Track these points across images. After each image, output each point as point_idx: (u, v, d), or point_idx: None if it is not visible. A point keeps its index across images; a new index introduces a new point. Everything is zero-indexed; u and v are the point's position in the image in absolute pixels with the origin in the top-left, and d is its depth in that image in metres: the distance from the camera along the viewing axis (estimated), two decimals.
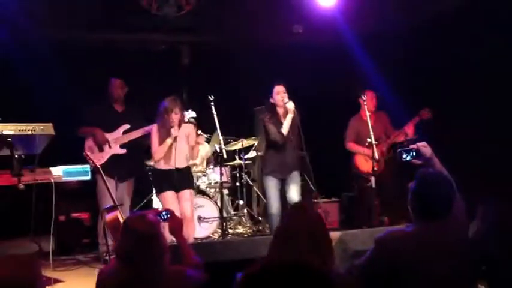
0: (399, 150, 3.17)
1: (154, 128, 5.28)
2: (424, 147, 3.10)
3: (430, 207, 2.67)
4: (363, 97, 5.69)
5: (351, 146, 6.23)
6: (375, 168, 5.35)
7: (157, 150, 5.23)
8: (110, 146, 5.58)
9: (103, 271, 2.62)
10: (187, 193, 5.33)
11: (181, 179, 5.30)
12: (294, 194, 5.38)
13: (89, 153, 5.10)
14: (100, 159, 5.46)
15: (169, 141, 5.18)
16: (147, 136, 5.51)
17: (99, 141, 5.57)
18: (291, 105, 5.27)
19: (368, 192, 5.71)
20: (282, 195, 5.48)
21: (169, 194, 5.26)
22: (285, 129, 5.33)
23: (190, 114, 5.33)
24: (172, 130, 5.16)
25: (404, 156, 3.13)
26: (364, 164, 6.12)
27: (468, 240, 2.76)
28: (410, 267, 2.55)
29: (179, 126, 5.22)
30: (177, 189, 5.30)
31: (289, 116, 5.30)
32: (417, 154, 3.10)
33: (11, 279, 3.15)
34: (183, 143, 5.31)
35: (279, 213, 5.35)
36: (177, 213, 5.23)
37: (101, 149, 5.57)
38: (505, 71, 5.48)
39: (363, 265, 2.69)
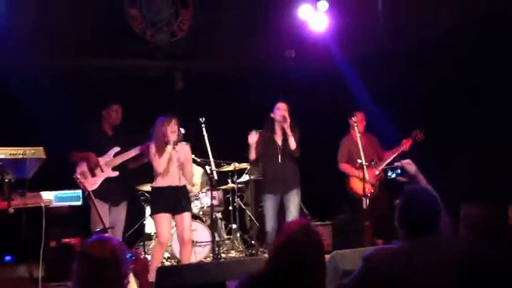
0: (384, 168, 3.19)
1: (151, 145, 5.29)
2: (409, 164, 3.12)
3: (416, 224, 2.68)
4: (353, 118, 5.71)
5: (344, 167, 6.19)
6: (368, 190, 5.36)
7: (159, 161, 5.22)
8: (102, 170, 5.57)
9: None
10: (186, 216, 5.34)
11: (180, 199, 5.30)
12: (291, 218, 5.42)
13: (79, 177, 5.09)
14: (93, 183, 5.45)
15: (169, 148, 5.19)
16: (137, 158, 5.52)
17: (92, 165, 5.55)
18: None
19: (362, 214, 5.71)
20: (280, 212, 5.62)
21: (164, 217, 5.24)
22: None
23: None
24: (169, 137, 5.18)
25: (389, 174, 3.16)
26: (359, 185, 6.05)
27: (455, 256, 2.76)
28: (398, 284, 2.53)
29: (176, 143, 5.24)
30: (175, 210, 5.29)
31: None
32: (402, 172, 3.12)
33: None
34: (180, 161, 5.34)
35: (273, 231, 5.49)
36: (167, 236, 5.28)
37: (93, 174, 5.56)
38: (493, 94, 5.57)
39: (352, 283, 2.67)
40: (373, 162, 5.95)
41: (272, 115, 5.61)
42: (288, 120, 5.49)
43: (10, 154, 4.40)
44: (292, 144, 5.48)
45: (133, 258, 2.76)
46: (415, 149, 5.83)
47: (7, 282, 4.09)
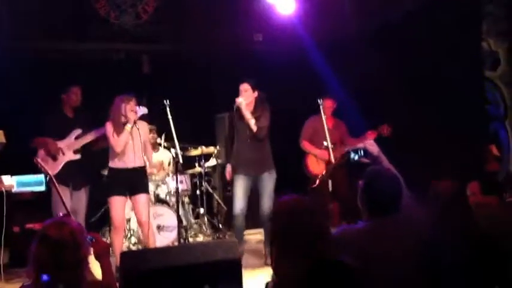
0: (347, 150, 3.21)
1: (108, 124, 5.12)
2: (371, 146, 3.14)
3: (379, 203, 2.71)
4: (319, 101, 5.71)
5: (305, 145, 6.23)
6: (321, 170, 5.38)
7: (116, 140, 5.05)
8: (63, 153, 5.48)
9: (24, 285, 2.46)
10: (142, 198, 5.20)
11: (136, 181, 5.18)
12: (265, 203, 5.35)
13: (40, 161, 4.97)
14: (54, 168, 5.35)
15: (128, 127, 5.04)
16: (100, 141, 5.44)
17: (52, 150, 5.45)
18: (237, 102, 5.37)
19: (317, 194, 5.77)
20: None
21: (118, 200, 5.12)
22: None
23: (142, 110, 5.25)
24: (129, 115, 5.03)
25: (352, 155, 3.18)
26: (315, 165, 6.13)
27: (419, 236, 2.81)
28: (363, 262, 2.55)
29: (135, 122, 5.10)
30: (131, 192, 5.18)
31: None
32: (365, 153, 3.15)
33: None
34: (140, 141, 5.17)
35: (241, 213, 5.37)
36: (121, 220, 5.17)
37: (54, 158, 5.46)
38: (457, 75, 5.66)
39: None
40: (333, 146, 6.01)
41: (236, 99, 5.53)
42: (243, 103, 5.37)
43: None
44: (252, 127, 5.37)
45: (93, 240, 2.72)
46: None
47: None
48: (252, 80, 5.53)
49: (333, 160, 5.34)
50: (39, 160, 4.87)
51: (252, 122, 5.38)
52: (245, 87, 5.47)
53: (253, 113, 5.44)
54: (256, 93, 5.50)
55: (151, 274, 3.49)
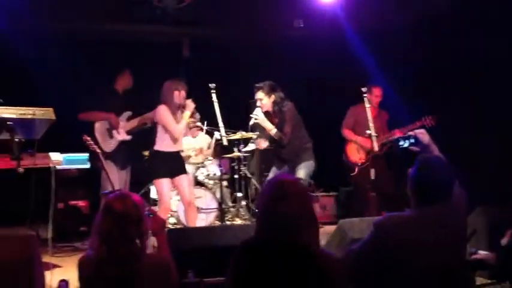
0: (397, 137, 3.17)
1: (162, 108, 5.11)
2: (422, 134, 3.10)
3: (430, 191, 2.68)
4: (363, 89, 5.62)
5: (347, 133, 6.24)
6: (360, 158, 5.49)
7: (177, 127, 5.11)
8: (118, 132, 5.58)
9: (83, 256, 2.52)
10: (186, 178, 5.34)
11: (179, 162, 5.30)
12: None
13: (89, 139, 5.08)
14: (110, 146, 5.46)
15: (187, 113, 5.12)
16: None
17: (114, 126, 5.53)
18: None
19: (361, 184, 5.76)
20: None
21: (166, 182, 5.19)
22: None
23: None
24: (188, 102, 5.12)
25: (401, 143, 3.13)
26: (354, 153, 6.16)
27: (466, 227, 2.80)
28: (408, 250, 2.56)
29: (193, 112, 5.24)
30: (176, 174, 5.26)
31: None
32: (415, 141, 3.10)
33: (10, 256, 3.17)
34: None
35: None
36: (169, 200, 5.30)
37: (111, 135, 5.55)
38: (502, 69, 5.54)
39: (361, 248, 2.69)
40: (377, 135, 5.99)
41: None
42: (259, 118, 5.26)
43: (20, 114, 4.36)
44: (274, 136, 5.29)
45: (150, 215, 2.79)
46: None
47: (16, 237, 4.03)
48: (264, 85, 5.30)
49: (376, 148, 5.31)
50: (88, 138, 4.98)
51: (273, 132, 5.28)
52: (259, 96, 5.32)
53: (273, 118, 5.34)
54: (273, 97, 5.28)
55: (194, 252, 3.58)
